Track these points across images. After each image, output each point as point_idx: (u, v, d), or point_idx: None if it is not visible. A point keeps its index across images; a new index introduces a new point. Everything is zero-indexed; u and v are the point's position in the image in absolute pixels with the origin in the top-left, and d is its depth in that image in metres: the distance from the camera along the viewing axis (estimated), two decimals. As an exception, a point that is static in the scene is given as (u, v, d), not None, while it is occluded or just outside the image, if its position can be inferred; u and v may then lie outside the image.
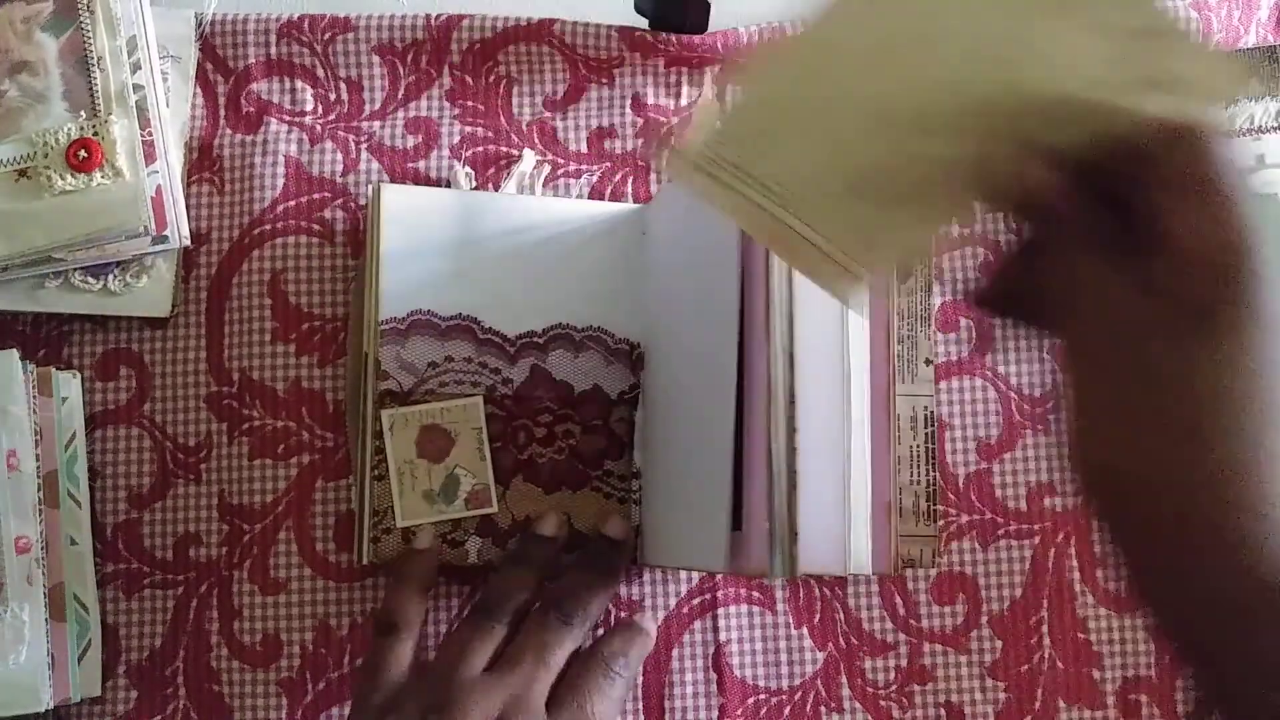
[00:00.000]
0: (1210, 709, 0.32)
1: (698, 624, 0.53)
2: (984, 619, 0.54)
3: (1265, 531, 0.29)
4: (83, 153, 0.51)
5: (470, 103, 0.57)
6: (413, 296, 0.52)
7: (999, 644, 0.54)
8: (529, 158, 0.55)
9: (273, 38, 0.57)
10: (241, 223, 0.55)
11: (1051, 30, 0.33)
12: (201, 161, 0.56)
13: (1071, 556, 0.54)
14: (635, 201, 0.56)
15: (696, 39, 0.56)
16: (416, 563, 0.50)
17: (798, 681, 0.53)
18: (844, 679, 0.53)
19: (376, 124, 0.57)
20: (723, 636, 0.53)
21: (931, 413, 0.53)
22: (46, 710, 0.50)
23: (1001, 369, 0.55)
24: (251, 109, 0.57)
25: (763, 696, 0.53)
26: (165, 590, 0.53)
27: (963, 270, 0.56)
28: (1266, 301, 0.30)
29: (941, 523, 0.54)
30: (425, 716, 0.44)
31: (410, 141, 0.56)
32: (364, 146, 0.56)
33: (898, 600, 0.54)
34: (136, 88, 0.52)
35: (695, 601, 0.54)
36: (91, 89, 0.52)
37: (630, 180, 0.56)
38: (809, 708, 0.53)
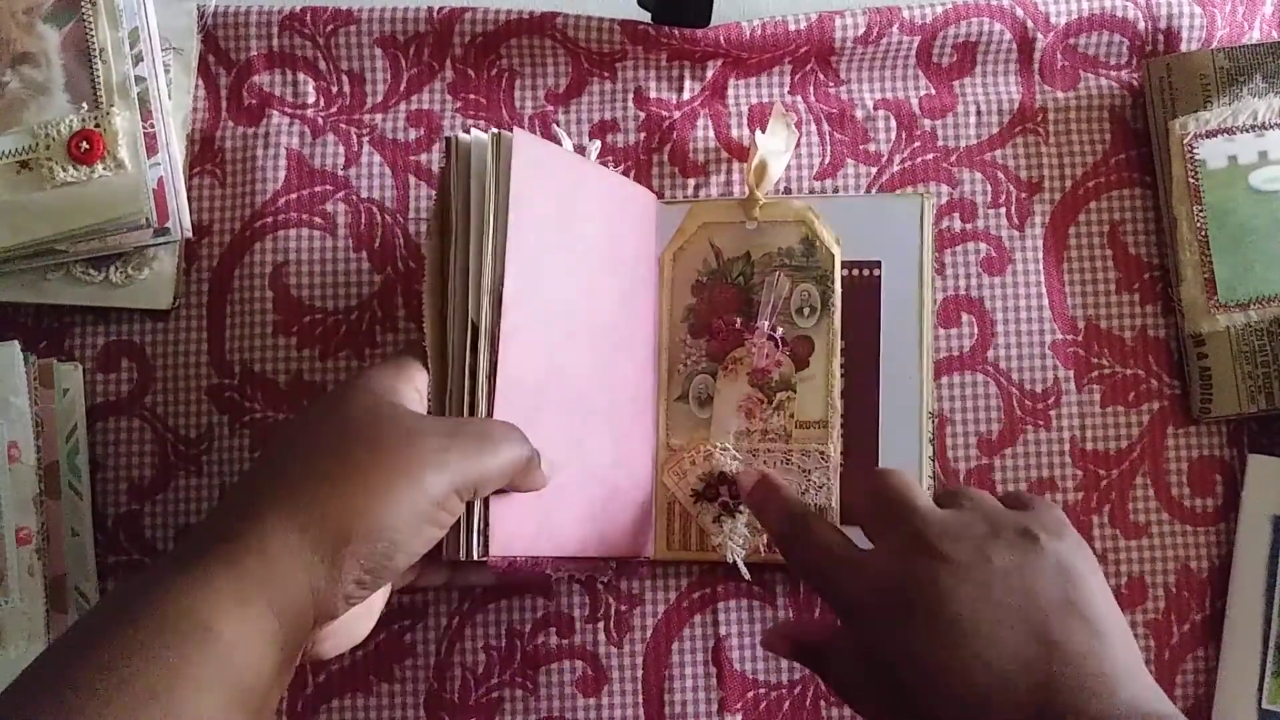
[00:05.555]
0: None
1: (698, 618, 0.53)
2: (984, 614, 0.54)
3: None
4: (84, 144, 0.51)
5: (472, 96, 0.57)
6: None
7: (999, 639, 0.54)
8: (566, 142, 0.54)
9: (275, 30, 0.56)
10: (243, 215, 0.55)
11: None
12: (203, 154, 0.56)
13: (1072, 552, 0.54)
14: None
15: (699, 33, 0.55)
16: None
17: (797, 675, 0.53)
18: (844, 673, 0.53)
19: (378, 117, 0.57)
20: (723, 630, 0.53)
21: (932, 408, 0.53)
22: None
23: (1003, 364, 0.55)
24: (253, 101, 0.57)
25: (762, 690, 0.53)
26: (166, 582, 0.53)
27: (964, 266, 0.56)
28: None
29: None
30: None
31: (412, 134, 0.56)
32: (366, 139, 0.56)
33: (898, 595, 0.54)
34: (138, 79, 0.52)
35: (695, 595, 0.54)
36: (93, 81, 0.52)
37: (632, 174, 0.56)
38: (808, 702, 0.53)
